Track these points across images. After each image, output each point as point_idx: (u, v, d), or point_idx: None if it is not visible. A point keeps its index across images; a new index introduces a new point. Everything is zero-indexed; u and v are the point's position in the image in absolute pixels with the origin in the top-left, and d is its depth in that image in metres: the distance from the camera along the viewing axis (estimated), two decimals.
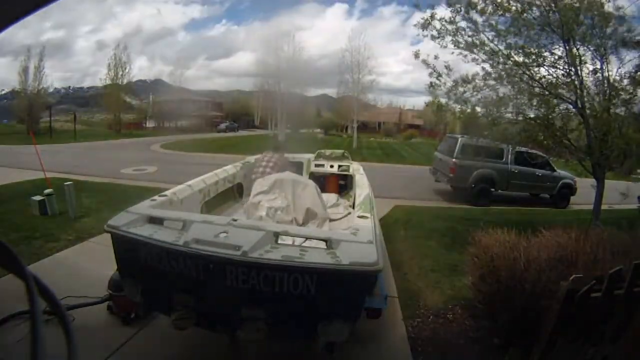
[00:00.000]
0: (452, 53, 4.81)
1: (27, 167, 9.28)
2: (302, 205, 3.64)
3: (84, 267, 3.77)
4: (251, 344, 2.01)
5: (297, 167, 5.18)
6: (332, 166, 5.26)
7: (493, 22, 4.62)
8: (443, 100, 5.35)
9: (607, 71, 4.57)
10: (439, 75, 4.91)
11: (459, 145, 8.48)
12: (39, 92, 28.32)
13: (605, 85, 4.53)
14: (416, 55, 4.95)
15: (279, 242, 2.01)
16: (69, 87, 47.62)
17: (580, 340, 1.85)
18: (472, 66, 4.85)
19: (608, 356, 1.79)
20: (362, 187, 3.69)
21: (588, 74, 4.62)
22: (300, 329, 2.07)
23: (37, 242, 4.47)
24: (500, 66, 4.68)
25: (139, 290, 2.27)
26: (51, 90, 31.72)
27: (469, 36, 4.66)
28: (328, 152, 5.78)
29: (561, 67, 4.67)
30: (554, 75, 4.70)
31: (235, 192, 4.46)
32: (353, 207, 3.99)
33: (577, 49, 4.52)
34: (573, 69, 4.59)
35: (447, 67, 4.91)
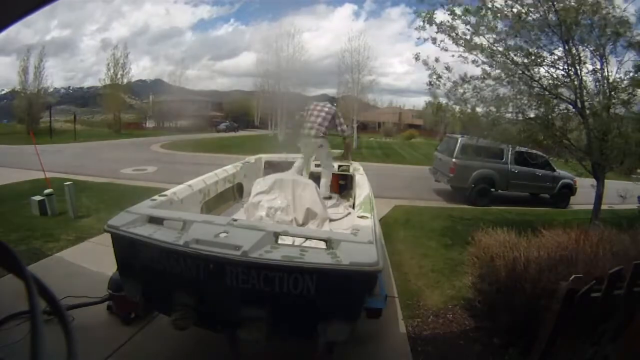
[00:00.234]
0: (453, 55, 4.82)
1: (27, 167, 9.27)
2: (302, 205, 3.64)
3: (84, 267, 3.77)
4: (251, 344, 2.01)
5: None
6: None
7: (492, 25, 4.62)
8: (443, 101, 5.36)
9: (607, 71, 4.57)
10: (439, 76, 4.91)
11: (459, 145, 8.48)
12: (39, 92, 28.33)
13: (605, 85, 4.54)
14: (416, 58, 4.95)
15: (279, 242, 2.01)
16: (69, 87, 47.61)
17: (580, 340, 1.85)
18: (472, 67, 4.86)
19: (608, 356, 1.79)
20: (362, 187, 3.69)
21: (587, 73, 4.62)
22: (300, 329, 2.06)
23: (37, 242, 4.47)
24: (500, 67, 4.67)
25: (139, 290, 2.27)
26: (51, 90, 31.74)
27: (467, 39, 4.65)
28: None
29: (561, 67, 4.68)
30: (554, 75, 4.70)
31: (235, 192, 4.46)
32: (353, 207, 3.99)
33: (577, 50, 4.53)
34: (573, 69, 4.60)
35: (447, 68, 4.91)
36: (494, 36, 4.64)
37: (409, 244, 5.23)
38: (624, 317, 1.74)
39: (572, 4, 4.28)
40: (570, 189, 9.13)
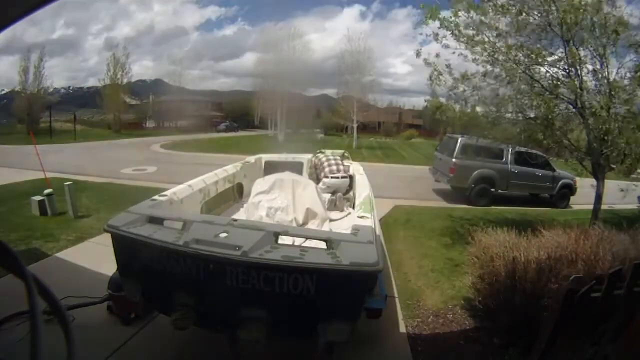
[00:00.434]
0: (454, 53, 4.80)
1: (27, 167, 9.28)
2: (302, 205, 3.64)
3: (84, 267, 3.77)
4: (251, 344, 2.01)
5: (297, 167, 5.17)
6: None
7: (493, 23, 4.61)
8: (443, 100, 5.35)
9: (607, 71, 4.57)
10: (440, 73, 4.90)
11: (459, 145, 8.48)
12: (39, 92, 28.34)
13: (605, 85, 4.54)
14: (417, 54, 4.93)
15: (279, 242, 2.01)
16: (69, 87, 47.63)
17: (580, 340, 1.85)
18: (472, 66, 4.85)
19: (608, 356, 1.79)
20: (362, 187, 3.69)
21: (588, 73, 4.62)
22: (300, 329, 2.07)
23: (37, 242, 4.47)
24: (500, 65, 4.67)
25: (139, 290, 2.28)
26: (51, 90, 31.75)
27: (469, 36, 4.64)
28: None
29: (561, 67, 4.67)
30: (554, 75, 4.70)
31: (235, 192, 4.46)
32: (353, 207, 3.99)
33: (577, 49, 4.52)
34: (573, 69, 4.59)
35: (448, 66, 4.90)
36: (495, 33, 4.63)
37: (409, 244, 5.23)
38: (624, 317, 1.74)
39: (574, 2, 4.27)
40: (570, 189, 9.12)
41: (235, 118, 37.95)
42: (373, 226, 2.29)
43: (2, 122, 31.09)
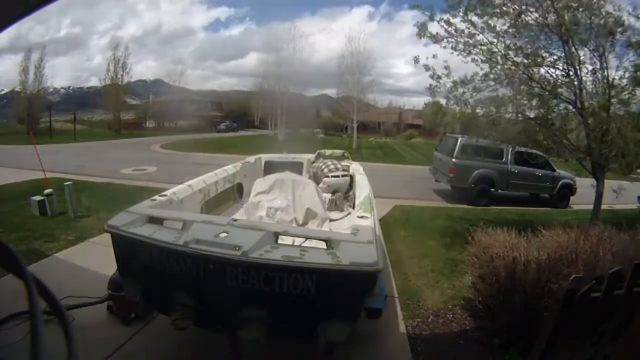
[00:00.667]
0: (452, 53, 4.81)
1: (27, 167, 9.28)
2: (302, 205, 3.65)
3: (84, 267, 3.77)
4: (251, 344, 2.01)
5: (297, 167, 5.18)
6: None
7: (491, 23, 4.62)
8: (443, 101, 5.36)
9: (606, 71, 4.57)
10: (439, 77, 4.91)
11: (459, 145, 8.48)
12: (39, 92, 28.34)
13: (605, 85, 4.54)
14: (416, 60, 4.95)
15: (279, 242, 2.01)
16: (69, 87, 47.68)
17: (580, 340, 1.85)
18: (471, 67, 4.86)
19: (608, 356, 1.79)
20: (362, 187, 3.69)
21: (587, 73, 4.62)
22: (300, 329, 2.07)
23: (37, 242, 4.47)
24: (499, 67, 4.67)
25: (139, 290, 2.28)
26: (51, 90, 31.75)
27: (467, 37, 4.65)
28: (328, 152, 5.78)
29: (560, 68, 4.68)
30: (553, 75, 4.70)
31: (235, 192, 4.46)
32: (353, 207, 3.99)
33: (576, 50, 4.53)
34: (572, 69, 4.60)
35: (447, 68, 4.91)
36: (492, 35, 4.64)
37: (409, 244, 5.23)
38: (624, 317, 1.74)
39: (572, 3, 4.28)
40: (570, 189, 9.12)
41: (235, 118, 37.98)
42: (373, 226, 2.29)
43: (2, 122, 31.09)
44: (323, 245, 1.98)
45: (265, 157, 5.37)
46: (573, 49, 4.49)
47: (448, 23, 4.68)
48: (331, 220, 3.85)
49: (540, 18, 4.47)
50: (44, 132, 23.68)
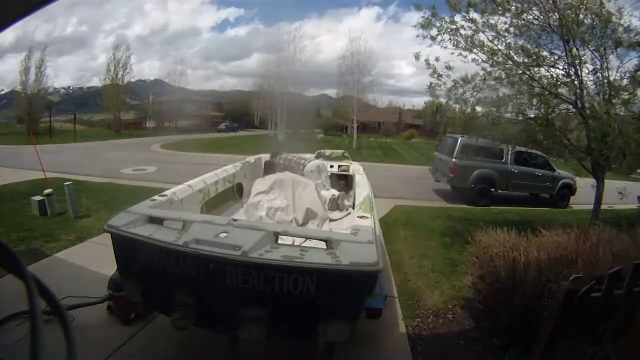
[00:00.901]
0: (452, 53, 4.81)
1: (27, 167, 9.28)
2: (302, 205, 3.64)
3: (84, 267, 3.77)
4: (251, 344, 2.01)
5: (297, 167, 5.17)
6: (332, 166, 5.26)
7: (493, 22, 4.62)
8: (443, 101, 5.37)
9: (607, 71, 4.57)
10: (439, 75, 4.91)
11: (459, 145, 8.48)
12: (39, 92, 28.34)
13: (605, 85, 4.53)
14: (417, 57, 4.95)
15: (279, 242, 2.01)
16: (69, 87, 47.69)
17: (580, 340, 1.85)
18: (472, 67, 4.86)
19: (608, 356, 1.79)
20: (362, 187, 3.69)
21: (588, 73, 4.62)
22: (300, 329, 2.07)
23: (37, 242, 4.47)
24: (500, 66, 4.67)
25: (139, 290, 2.27)
26: (51, 90, 31.75)
27: (468, 36, 4.65)
28: (328, 152, 5.79)
29: (561, 67, 4.68)
30: (554, 75, 4.70)
31: (235, 192, 4.46)
32: (353, 207, 3.99)
33: (577, 49, 4.52)
34: (573, 69, 4.59)
35: (448, 67, 4.90)
36: (494, 34, 4.64)
37: (409, 244, 5.22)
38: (624, 317, 1.74)
39: (574, 3, 4.28)
40: (570, 189, 9.12)
41: (235, 118, 37.98)
42: (373, 226, 2.29)
43: (2, 122, 31.08)
44: (323, 245, 1.98)
45: (265, 157, 5.37)
46: (574, 49, 4.49)
47: (451, 22, 4.68)
48: (331, 220, 3.85)
49: (542, 17, 4.47)
50: (44, 132, 23.69)
